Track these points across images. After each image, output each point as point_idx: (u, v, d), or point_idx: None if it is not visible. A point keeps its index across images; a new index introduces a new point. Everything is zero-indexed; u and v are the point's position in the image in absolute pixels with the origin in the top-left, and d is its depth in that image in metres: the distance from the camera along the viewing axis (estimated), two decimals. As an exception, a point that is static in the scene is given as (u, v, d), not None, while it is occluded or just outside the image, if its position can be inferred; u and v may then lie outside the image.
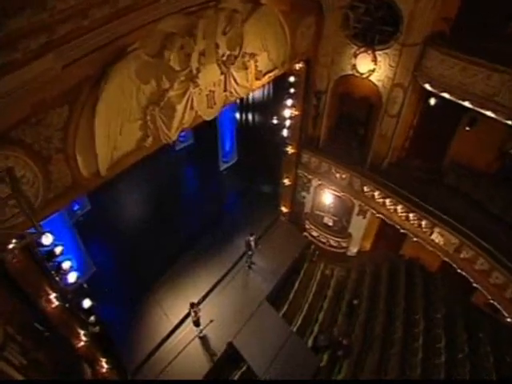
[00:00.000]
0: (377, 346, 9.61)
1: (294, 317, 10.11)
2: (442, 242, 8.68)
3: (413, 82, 7.71)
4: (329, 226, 11.63)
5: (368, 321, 10.38)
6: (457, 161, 9.07)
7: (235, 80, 5.86)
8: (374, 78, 8.01)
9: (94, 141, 4.28)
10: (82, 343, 5.74)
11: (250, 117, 11.82)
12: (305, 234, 11.86)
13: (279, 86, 8.94)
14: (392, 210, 9.38)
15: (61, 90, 3.72)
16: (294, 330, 9.59)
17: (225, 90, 5.89)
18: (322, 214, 11.52)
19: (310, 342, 9.62)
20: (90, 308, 5.74)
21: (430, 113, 8.45)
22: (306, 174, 10.24)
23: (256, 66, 6.23)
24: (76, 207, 9.66)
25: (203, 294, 9.41)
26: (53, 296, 4.92)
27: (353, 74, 8.17)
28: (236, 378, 8.61)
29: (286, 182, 10.72)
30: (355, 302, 10.68)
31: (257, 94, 11.08)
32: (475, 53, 6.50)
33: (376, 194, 9.45)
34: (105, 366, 6.64)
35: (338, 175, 9.61)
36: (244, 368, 8.65)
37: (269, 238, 11.22)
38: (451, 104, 7.24)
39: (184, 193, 11.94)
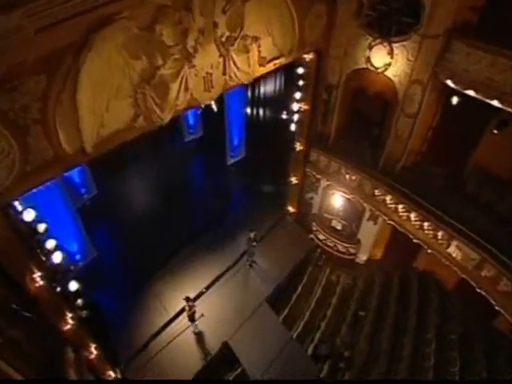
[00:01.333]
0: (382, 361, 8.98)
1: (295, 322, 9.68)
2: (459, 257, 7.90)
3: (433, 78, 7.04)
4: (337, 230, 11.07)
5: (374, 334, 9.73)
6: (480, 168, 8.22)
7: (235, 64, 5.53)
8: (389, 72, 7.40)
9: (77, 116, 4.09)
10: (69, 326, 5.67)
11: (260, 112, 11.54)
12: (311, 236, 11.37)
13: (291, 81, 8.56)
14: (405, 218, 8.69)
15: (37, 56, 3.56)
16: (294, 336, 9.18)
17: (224, 74, 5.55)
18: (331, 216, 10.98)
19: (310, 350, 9.16)
20: (78, 291, 5.69)
21: (451, 113, 7.68)
22: (314, 173, 9.75)
23: (259, 51, 5.88)
24: (83, 191, 9.82)
25: (201, 289, 9.23)
26: (37, 275, 4.85)
27: (367, 68, 7.59)
28: (231, 377, 8.33)
29: (294, 180, 10.30)
30: (361, 313, 10.06)
31: (268, 88, 10.78)
32: (506, 45, 5.79)
33: (388, 198, 8.81)
34: (94, 352, 6.59)
35: (347, 176, 9.06)
36: (238, 370, 8.36)
37: (273, 237, 10.84)
38: (477, 103, 6.52)
39: (190, 185, 11.84)
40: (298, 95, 8.37)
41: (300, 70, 8.01)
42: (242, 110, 11.33)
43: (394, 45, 7.00)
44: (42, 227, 4.76)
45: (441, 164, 8.61)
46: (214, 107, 12.24)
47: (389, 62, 7.22)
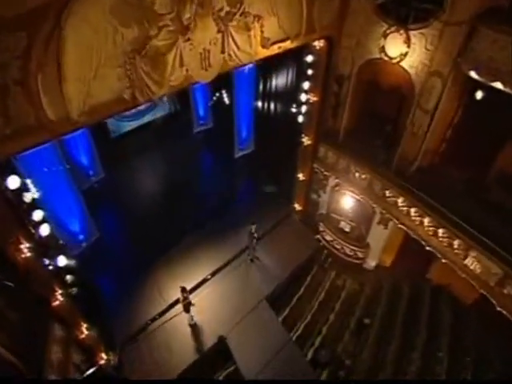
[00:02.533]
0: (387, 373, 8.37)
1: (295, 324, 9.26)
2: (478, 270, 7.18)
3: (455, 69, 6.43)
4: (345, 232, 10.54)
5: (379, 345, 9.11)
6: (506, 173, 7.42)
7: (235, 42, 5.26)
8: (405, 63, 6.87)
9: (62, 81, 3.96)
10: (58, 302, 5.63)
11: (271, 106, 11.27)
12: (317, 236, 10.90)
13: (303, 75, 8.17)
14: (417, 222, 8.05)
15: (16, 12, 3.44)
16: (294, 338, 8.78)
17: (222, 52, 5.30)
18: (339, 217, 10.47)
19: (309, 355, 8.72)
20: (69, 268, 5.65)
21: (475, 109, 7.02)
22: (322, 170, 9.30)
23: (262, 31, 5.57)
24: (90, 173, 10.07)
25: (201, 279, 9.10)
26: (25, 246, 4.80)
27: (381, 58, 7.10)
28: (221, 377, 8.09)
29: (301, 176, 9.89)
30: (366, 320, 9.47)
31: (280, 81, 10.49)
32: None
33: (399, 200, 8.21)
34: (85, 331, 6.56)
35: (357, 174, 8.54)
36: (231, 368, 8.10)
37: (277, 234, 10.49)
38: (504, 98, 5.86)
39: (196, 176, 11.84)
40: (306, 85, 7.98)
41: (309, 58, 7.63)
42: (252, 103, 11.21)
43: (412, 33, 6.48)
44: (28, 196, 4.72)
45: (461, 167, 7.89)
46: (226, 100, 12.37)
47: (405, 51, 6.70)
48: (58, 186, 7.70)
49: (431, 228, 7.81)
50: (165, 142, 11.75)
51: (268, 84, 11.14)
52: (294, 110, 9.11)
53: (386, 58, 7.04)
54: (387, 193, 8.28)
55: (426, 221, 7.82)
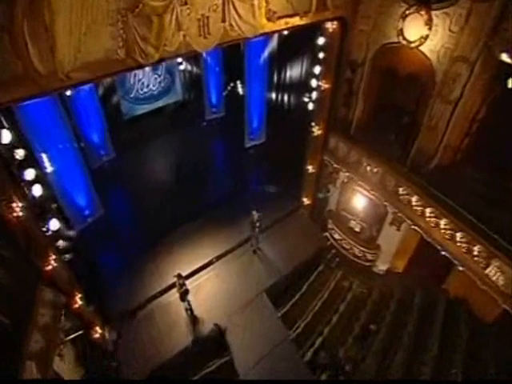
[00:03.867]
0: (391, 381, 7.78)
1: (295, 322, 8.86)
2: (501, 282, 6.46)
3: (484, 54, 5.78)
4: (355, 232, 9.97)
5: (384, 353, 8.50)
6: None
7: (236, 10, 4.98)
8: (426, 47, 6.27)
9: (50, 32, 3.84)
10: (50, 267, 5.68)
11: (285, 98, 10.99)
12: (325, 234, 10.41)
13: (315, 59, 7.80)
14: (433, 224, 7.39)
15: None
16: (293, 336, 8.41)
17: (223, 21, 5.05)
18: (349, 216, 9.93)
19: (308, 356, 8.30)
20: (59, 231, 5.60)
21: (505, 101, 6.28)
22: (332, 162, 8.81)
23: (267, 2, 5.27)
24: (102, 152, 10.43)
25: (201, 264, 9.01)
26: (17, 205, 4.83)
27: (398, 43, 6.54)
28: (214, 367, 7.85)
29: (310, 169, 9.45)
30: (372, 326, 8.89)
31: (294, 73, 10.18)
32: None
33: (414, 199, 7.59)
34: (78, 301, 6.63)
35: (368, 168, 7.99)
36: (225, 359, 7.87)
37: (283, 228, 10.17)
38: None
39: (205, 163, 11.87)
40: (317, 70, 7.55)
41: (321, 41, 7.21)
42: (265, 94, 11.12)
43: (434, 13, 5.89)
44: (20, 153, 4.74)
45: (485, 167, 7.11)
46: (240, 90, 12.26)
47: (426, 34, 6.11)
48: (68, 162, 8.04)
49: (448, 231, 7.15)
50: (176, 128, 11.98)
51: (282, 75, 10.89)
52: (307, 101, 8.76)
53: (403, 42, 6.47)
54: (400, 190, 7.68)
55: (443, 223, 7.16)
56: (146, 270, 8.80)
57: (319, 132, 8.38)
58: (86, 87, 9.36)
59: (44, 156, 7.01)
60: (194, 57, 11.93)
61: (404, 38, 6.42)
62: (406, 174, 7.56)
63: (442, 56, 6.19)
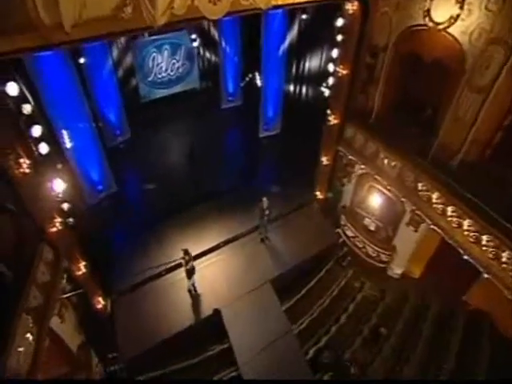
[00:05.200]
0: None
1: (300, 317, 8.52)
2: None
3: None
4: (369, 231, 9.48)
5: (394, 359, 7.98)
6: None
7: None
8: (456, 29, 5.76)
9: None
10: (55, 229, 5.80)
11: (303, 90, 10.71)
12: (338, 230, 9.99)
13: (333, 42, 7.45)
14: (455, 224, 6.84)
15: None
16: (296, 331, 8.10)
17: None
18: (363, 213, 9.45)
19: (310, 353, 7.93)
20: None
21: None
22: (347, 154, 8.42)
23: None
24: (117, 132, 10.75)
25: (207, 248, 8.95)
26: (24, 161, 4.91)
27: (425, 25, 6.07)
28: (214, 352, 7.75)
29: (324, 160, 9.05)
30: (382, 330, 8.39)
31: (314, 64, 9.88)
32: None
33: (434, 196, 7.06)
34: (83, 269, 6.76)
35: (385, 161, 7.54)
36: (225, 346, 7.74)
37: (293, 220, 9.86)
38: None
39: (218, 149, 11.89)
40: (335, 53, 7.19)
41: (340, 22, 6.85)
42: (283, 85, 10.97)
43: (467, -10, 5.41)
44: (27, 108, 4.82)
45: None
46: (258, 82, 12.10)
47: (456, 13, 5.61)
48: (85, 139, 8.40)
49: (472, 233, 6.59)
50: (192, 114, 12.09)
51: (301, 67, 10.62)
52: (324, 91, 8.43)
53: (430, 24, 6.00)
54: (420, 186, 7.17)
55: (466, 223, 6.60)
56: (152, 248, 8.83)
57: (335, 121, 7.96)
58: (107, 69, 9.78)
59: (64, 132, 7.38)
60: (212, 44, 12.06)
61: (431, 20, 5.95)
62: (426, 169, 7.04)
63: (475, 38, 5.66)
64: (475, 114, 6.21)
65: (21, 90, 4.80)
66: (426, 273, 9.21)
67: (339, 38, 7.02)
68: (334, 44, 7.24)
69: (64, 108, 7.45)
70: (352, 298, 9.07)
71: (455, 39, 5.86)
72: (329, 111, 7.96)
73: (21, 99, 4.86)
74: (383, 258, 9.38)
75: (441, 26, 5.88)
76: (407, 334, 8.48)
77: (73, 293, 6.53)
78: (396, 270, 9.51)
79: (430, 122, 7.00)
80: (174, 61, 11.56)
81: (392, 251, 9.17)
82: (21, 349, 4.56)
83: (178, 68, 11.75)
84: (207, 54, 12.40)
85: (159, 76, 11.52)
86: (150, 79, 11.39)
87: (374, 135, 7.67)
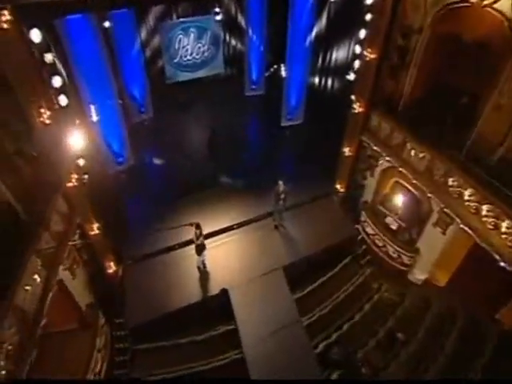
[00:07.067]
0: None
1: (311, 309, 8.22)
2: None
3: None
4: (391, 230, 8.87)
5: (413, 365, 7.36)
6: None
7: None
8: (503, 4, 5.16)
9: None
10: (71, 184, 6.03)
11: (328, 81, 10.33)
12: (357, 226, 9.48)
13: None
14: (491, 226, 6.15)
15: None
16: (306, 323, 7.80)
17: None
18: (385, 211, 8.87)
19: (320, 347, 7.59)
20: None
21: None
22: (371, 144, 7.93)
23: None
24: (142, 109, 11.15)
25: (221, 228, 8.94)
26: (45, 112, 5.08)
27: (466, 1, 5.51)
28: (219, 332, 7.71)
29: (347, 151, 8.61)
30: (400, 335, 7.81)
31: (341, 54, 9.48)
32: None
33: (467, 193, 6.41)
34: (95, 230, 6.94)
35: (413, 152, 6.97)
36: (231, 327, 7.65)
37: (311, 211, 9.53)
38: None
39: (239, 135, 11.92)
40: (362, 34, 6.74)
41: (369, 0, 6.38)
42: (308, 75, 10.74)
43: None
44: (49, 57, 4.99)
45: None
46: (283, 73, 11.89)
47: (504, -14, 5.04)
48: (109, 113, 8.79)
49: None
50: (215, 99, 12.17)
51: (328, 57, 10.27)
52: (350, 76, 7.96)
53: (473, 0, 5.43)
54: (450, 181, 6.55)
55: (505, 225, 5.89)
56: (166, 222, 8.85)
57: (360, 109, 7.49)
58: (135, 49, 10.19)
59: (92, 107, 7.77)
60: (238, 31, 12.05)
61: (474, -6, 5.40)
62: (459, 163, 6.42)
63: (525, 14, 5.05)
64: (521, 103, 5.56)
65: (44, 38, 4.99)
66: (452, 282, 8.33)
67: (368, 17, 6.55)
68: (363, 24, 6.78)
69: (92, 82, 7.87)
70: (368, 297, 8.56)
71: (503, 16, 5.23)
72: (353, 97, 7.51)
73: (44, 48, 5.05)
74: (405, 260, 8.73)
75: (486, 2, 5.30)
76: (429, 343, 7.80)
77: (80, 241, 6.68)
78: (418, 275, 8.79)
79: (467, 110, 6.37)
80: (200, 45, 11.71)
81: (415, 254, 8.49)
82: (28, 287, 4.75)
83: (203, 52, 11.88)
84: (233, 41, 12.45)
85: (184, 59, 11.72)
86: (175, 61, 11.61)
87: (401, 124, 7.13)
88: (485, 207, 6.16)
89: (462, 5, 5.65)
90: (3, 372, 4.07)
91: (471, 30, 5.81)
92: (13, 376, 4.23)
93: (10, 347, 4.22)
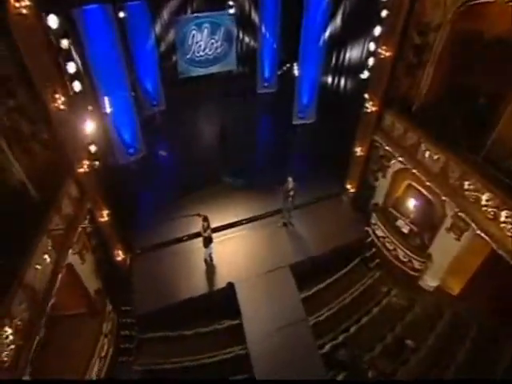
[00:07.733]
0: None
1: (318, 309, 8.10)
2: None
3: None
4: (402, 233, 8.64)
5: (423, 374, 7.12)
6: None
7: None
8: (528, 0, 4.93)
9: None
10: (82, 170, 6.20)
11: (341, 81, 10.12)
12: (367, 228, 9.28)
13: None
14: (510, 233, 5.84)
15: None
16: (312, 322, 7.70)
17: None
18: (397, 214, 8.65)
19: (326, 348, 7.44)
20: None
21: None
22: (383, 144, 7.74)
23: None
24: (154, 102, 11.24)
25: (230, 222, 9.01)
26: (59, 97, 5.21)
27: (489, -3, 5.30)
28: (223, 326, 7.71)
29: (358, 151, 8.45)
30: (409, 342, 7.59)
31: (355, 54, 9.27)
32: None
33: (484, 197, 6.15)
34: (105, 217, 7.08)
35: (427, 154, 6.75)
36: (235, 322, 7.63)
37: (320, 210, 9.50)
38: None
39: (250, 132, 11.95)
40: (378, 31, 6.57)
41: None
42: (320, 74, 10.60)
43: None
44: (65, 43, 5.07)
45: None
46: (296, 72, 11.78)
47: (530, -19, 4.79)
48: (122, 105, 8.95)
49: (533, 244, 5.61)
50: (226, 96, 12.25)
51: (341, 57, 10.09)
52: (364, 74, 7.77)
53: (496, -5, 5.22)
54: (466, 184, 6.30)
55: (524, 231, 5.63)
56: (174, 214, 8.95)
57: (373, 108, 7.31)
58: (149, 44, 10.28)
59: (106, 99, 7.94)
60: (252, 28, 11.98)
61: (497, -11, 5.16)
62: (477, 165, 6.17)
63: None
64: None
65: (61, 24, 5.09)
66: (466, 291, 7.99)
67: (384, 14, 6.35)
68: (378, 21, 6.60)
69: (106, 72, 7.99)
70: (377, 301, 8.35)
71: (527, 12, 5.01)
72: (366, 96, 7.32)
73: (60, 34, 5.15)
74: (416, 265, 8.46)
75: (510, -3, 5.06)
76: (440, 352, 7.52)
77: (89, 225, 6.77)
78: (430, 282, 8.49)
79: (486, 111, 6.12)
80: (213, 41, 11.70)
81: (427, 259, 8.21)
82: (38, 266, 4.86)
83: (216, 48, 11.87)
84: (246, 38, 12.39)
85: (197, 54, 11.75)
86: (188, 56, 11.64)
87: (415, 125, 6.92)
88: (504, 213, 5.87)
89: (484, 0, 5.42)
90: (12, 346, 4.13)
91: (493, 27, 5.57)
92: (20, 352, 4.29)
93: (19, 322, 4.31)
